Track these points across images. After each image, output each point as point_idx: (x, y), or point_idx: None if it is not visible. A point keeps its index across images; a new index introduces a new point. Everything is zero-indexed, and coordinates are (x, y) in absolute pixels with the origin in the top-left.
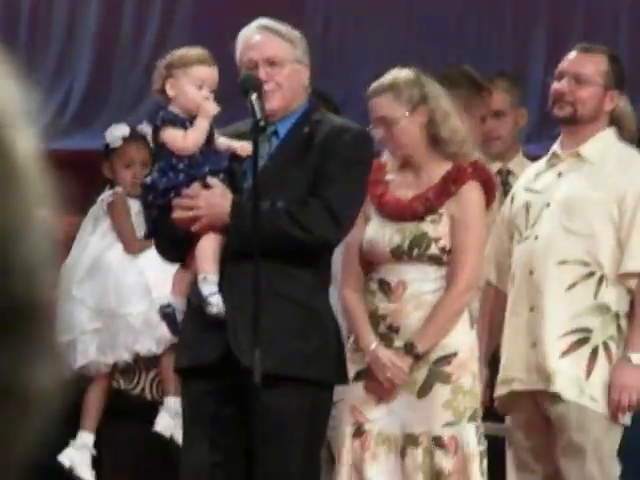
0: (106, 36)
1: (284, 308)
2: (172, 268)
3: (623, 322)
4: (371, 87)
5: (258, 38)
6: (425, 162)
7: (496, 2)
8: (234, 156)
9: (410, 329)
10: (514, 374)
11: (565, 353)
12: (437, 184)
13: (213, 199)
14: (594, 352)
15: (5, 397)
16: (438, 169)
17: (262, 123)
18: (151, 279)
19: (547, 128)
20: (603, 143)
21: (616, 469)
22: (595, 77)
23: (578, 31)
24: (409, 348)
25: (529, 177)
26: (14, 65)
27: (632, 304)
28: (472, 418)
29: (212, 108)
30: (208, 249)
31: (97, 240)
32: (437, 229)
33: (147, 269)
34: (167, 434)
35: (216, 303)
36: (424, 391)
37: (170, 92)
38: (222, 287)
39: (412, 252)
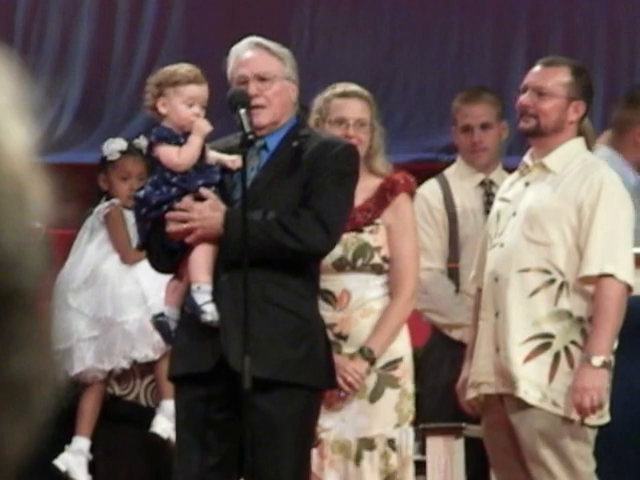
0: (99, 52)
1: (275, 315)
2: (167, 277)
3: (587, 326)
4: (343, 90)
5: (250, 55)
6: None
7: (477, 19)
8: (225, 169)
9: (358, 336)
10: (482, 378)
11: (528, 359)
12: (374, 196)
13: (206, 211)
14: (556, 357)
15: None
16: (370, 183)
17: (250, 137)
18: (146, 288)
19: (528, 141)
20: (567, 153)
21: (588, 467)
22: (557, 89)
23: (556, 47)
24: (367, 354)
25: (505, 187)
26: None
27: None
28: (412, 422)
29: (205, 126)
30: (201, 259)
31: (94, 250)
32: (377, 239)
33: (143, 278)
34: (165, 436)
35: (210, 312)
36: (376, 395)
37: (162, 110)
38: (216, 296)
39: (356, 262)
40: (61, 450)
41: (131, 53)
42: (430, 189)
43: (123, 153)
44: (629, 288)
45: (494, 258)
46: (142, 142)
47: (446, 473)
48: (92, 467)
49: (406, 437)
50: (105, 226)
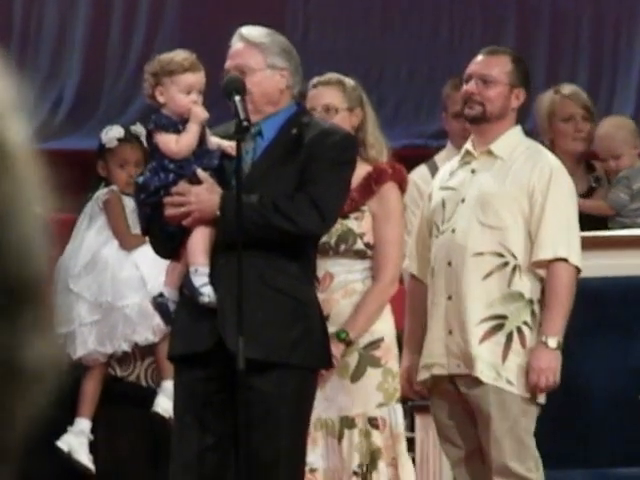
0: (95, 41)
1: (271, 298)
2: (166, 261)
3: (537, 308)
4: (317, 80)
5: (234, 47)
6: None
7: (467, 5)
8: (225, 155)
9: (340, 316)
10: (434, 360)
11: (483, 339)
12: (360, 184)
13: (203, 194)
14: (509, 337)
15: (4, 372)
16: (359, 170)
17: (245, 124)
18: (146, 272)
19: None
20: (512, 140)
21: (533, 442)
22: (501, 77)
23: (544, 33)
24: (342, 336)
25: (444, 176)
26: (7, 67)
27: (544, 291)
28: (399, 400)
29: (202, 113)
30: (199, 242)
31: (93, 236)
32: (361, 225)
33: (142, 263)
34: (166, 415)
35: (207, 293)
36: (357, 375)
37: (160, 99)
38: (213, 278)
39: (339, 248)
40: (63, 432)
41: (127, 42)
42: (420, 174)
43: (121, 140)
44: (579, 271)
45: (445, 244)
46: (139, 129)
47: (434, 450)
48: (93, 447)
49: (395, 415)
50: (104, 212)
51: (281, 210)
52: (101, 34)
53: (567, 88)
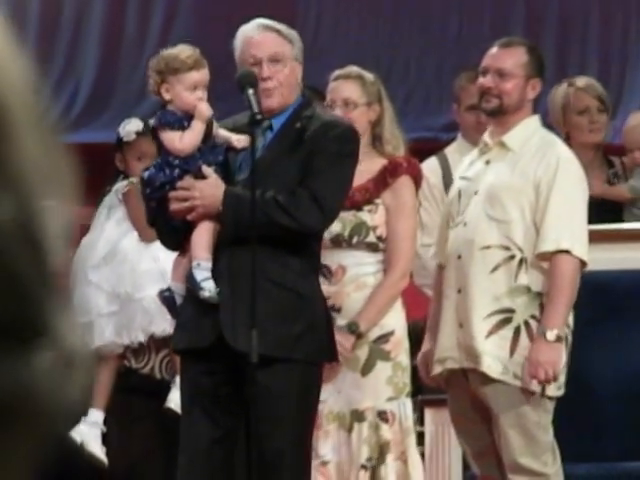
0: (111, 34)
1: (274, 293)
2: None
3: (545, 300)
4: (337, 73)
5: (261, 37)
6: (364, 156)
7: (476, 2)
8: (229, 148)
9: (351, 309)
10: (447, 353)
11: (490, 333)
12: (375, 176)
13: (206, 189)
14: (516, 331)
15: (65, 356)
16: (374, 164)
17: (259, 117)
18: (165, 265)
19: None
20: (525, 131)
21: (547, 437)
22: (516, 69)
23: (552, 26)
24: (353, 328)
25: (464, 166)
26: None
27: None
28: (409, 394)
29: (207, 110)
30: (202, 237)
31: (112, 228)
32: (374, 218)
33: (161, 256)
34: (179, 411)
35: (208, 288)
36: (367, 368)
37: (166, 96)
38: (216, 273)
39: (352, 240)
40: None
41: (142, 35)
42: (429, 167)
43: (139, 134)
44: (583, 264)
45: (456, 236)
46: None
47: (444, 444)
48: (105, 438)
49: (404, 409)
50: (123, 204)
51: (281, 205)
52: (117, 28)
53: (581, 80)
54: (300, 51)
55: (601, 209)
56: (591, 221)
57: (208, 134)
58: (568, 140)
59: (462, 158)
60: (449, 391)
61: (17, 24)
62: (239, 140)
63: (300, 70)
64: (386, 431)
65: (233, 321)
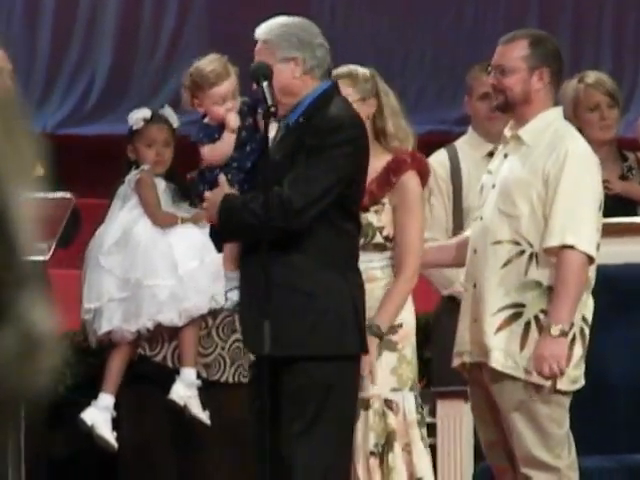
0: (127, 26)
1: (277, 294)
2: (199, 245)
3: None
4: (333, 73)
5: (255, 51)
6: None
7: None
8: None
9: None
10: (464, 347)
11: (500, 328)
12: (379, 175)
13: (211, 198)
14: (527, 326)
15: (28, 339)
16: (379, 161)
17: (273, 109)
18: (179, 254)
19: None
20: (540, 124)
21: (560, 430)
22: (516, 64)
23: (567, 16)
24: (375, 330)
25: (493, 159)
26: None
27: None
28: (412, 388)
29: (233, 121)
30: (226, 248)
31: (125, 214)
32: (380, 219)
33: (176, 245)
34: (181, 403)
35: (230, 298)
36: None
37: (200, 110)
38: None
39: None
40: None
41: (157, 27)
42: (438, 159)
43: (147, 121)
44: (590, 259)
45: (474, 231)
46: (167, 112)
47: (455, 435)
48: (117, 424)
49: (407, 402)
50: (135, 191)
51: (249, 207)
52: (132, 20)
53: (591, 76)
54: (289, 49)
55: (615, 204)
56: (605, 215)
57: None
58: None
59: (472, 151)
60: (469, 382)
61: (33, 17)
62: (232, 121)
63: (293, 66)
64: (392, 419)
65: (247, 327)
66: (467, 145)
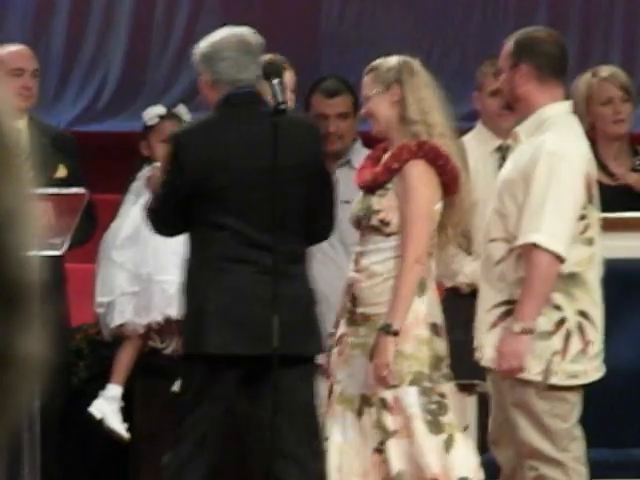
0: (140, 23)
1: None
2: None
3: None
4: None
5: None
6: (397, 139)
7: None
8: None
9: (362, 299)
10: (475, 344)
11: (493, 325)
12: (386, 160)
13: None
14: None
15: (3, 363)
16: (395, 147)
17: (283, 106)
18: None
19: None
20: (535, 121)
21: (564, 424)
22: (504, 64)
23: (576, 12)
24: (387, 329)
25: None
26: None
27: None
28: (414, 382)
29: None
30: None
31: (138, 210)
32: (381, 202)
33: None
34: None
35: None
36: (373, 355)
37: None
38: None
39: (360, 223)
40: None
41: (170, 24)
42: None
43: (162, 117)
44: (559, 257)
45: (484, 230)
46: (181, 110)
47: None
48: (129, 416)
49: (406, 397)
50: (148, 187)
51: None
52: (145, 18)
53: (605, 70)
54: (200, 65)
55: (626, 197)
56: (616, 210)
57: None
58: (592, 131)
59: (480, 145)
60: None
61: (47, 14)
62: None
63: (204, 81)
64: (386, 417)
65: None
66: (475, 140)
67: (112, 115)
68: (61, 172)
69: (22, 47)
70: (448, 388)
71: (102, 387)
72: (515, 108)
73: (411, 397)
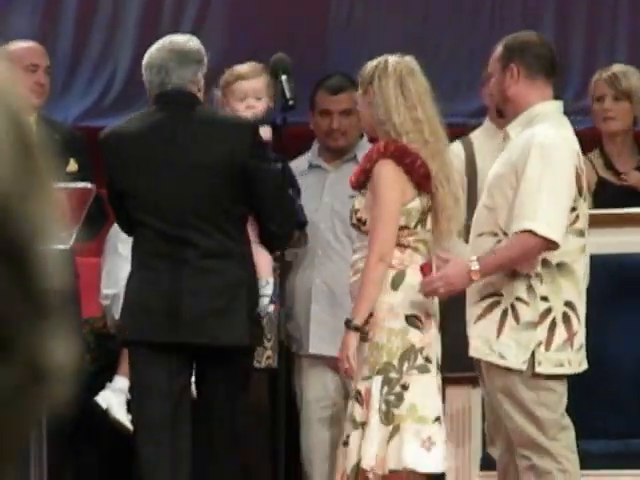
0: (148, 19)
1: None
2: None
3: (535, 282)
4: None
5: None
6: (379, 138)
7: None
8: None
9: (351, 293)
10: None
11: (480, 317)
12: (361, 161)
13: None
14: (504, 314)
15: (29, 373)
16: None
17: (291, 102)
18: None
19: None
20: (524, 119)
21: (551, 414)
22: (493, 67)
23: (582, 11)
24: (349, 324)
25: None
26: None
27: (544, 263)
28: (380, 372)
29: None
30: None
31: None
32: (361, 202)
33: None
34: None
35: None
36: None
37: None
38: None
39: (351, 222)
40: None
41: (178, 21)
42: (453, 151)
43: None
44: (553, 242)
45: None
46: None
47: (464, 421)
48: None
49: (375, 387)
50: None
51: None
52: (153, 13)
53: (610, 69)
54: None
55: (627, 196)
56: (619, 207)
57: None
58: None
59: (488, 141)
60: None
61: (55, 9)
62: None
63: None
64: (357, 410)
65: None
66: (483, 136)
67: (120, 110)
68: (72, 166)
69: (35, 44)
70: (416, 379)
71: (110, 380)
72: (505, 112)
73: (377, 386)
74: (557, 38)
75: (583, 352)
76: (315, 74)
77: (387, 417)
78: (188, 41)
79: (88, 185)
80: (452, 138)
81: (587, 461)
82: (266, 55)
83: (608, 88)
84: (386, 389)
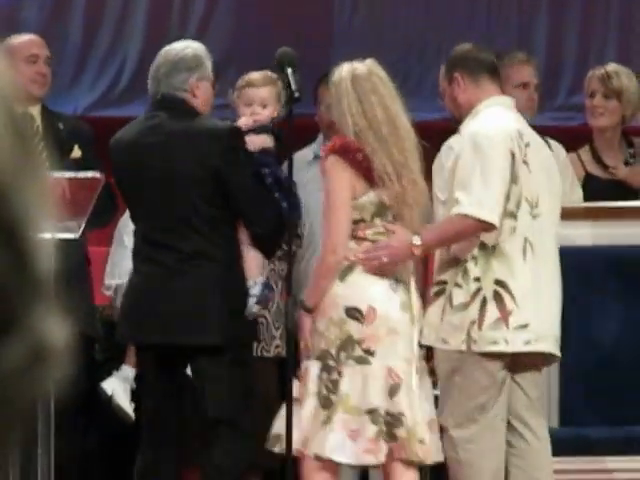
0: (158, 11)
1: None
2: None
3: (470, 265)
4: None
5: None
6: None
7: None
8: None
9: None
10: None
11: (430, 305)
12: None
13: None
14: (447, 299)
15: (34, 352)
16: None
17: (297, 95)
18: None
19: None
20: (469, 118)
21: (473, 401)
22: (443, 84)
23: (576, 11)
24: (301, 304)
25: None
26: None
27: (481, 246)
28: (319, 358)
29: (243, 123)
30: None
31: None
32: None
33: None
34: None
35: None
36: None
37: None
38: None
39: None
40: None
41: (187, 12)
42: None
43: None
44: (490, 225)
45: None
46: None
47: None
48: (136, 398)
49: (312, 369)
50: None
51: None
52: (162, 4)
53: (608, 67)
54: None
55: (616, 190)
56: (608, 199)
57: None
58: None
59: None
60: None
61: (65, 3)
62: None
63: None
64: (295, 385)
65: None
66: None
67: (129, 101)
68: (76, 152)
69: (34, 35)
70: (352, 370)
71: (117, 369)
72: (463, 118)
73: (313, 371)
74: (551, 36)
75: (529, 333)
76: (318, 75)
77: (326, 402)
78: (184, 49)
79: (97, 174)
80: (448, 134)
81: (592, 449)
82: (274, 47)
83: (599, 85)
84: (325, 375)
